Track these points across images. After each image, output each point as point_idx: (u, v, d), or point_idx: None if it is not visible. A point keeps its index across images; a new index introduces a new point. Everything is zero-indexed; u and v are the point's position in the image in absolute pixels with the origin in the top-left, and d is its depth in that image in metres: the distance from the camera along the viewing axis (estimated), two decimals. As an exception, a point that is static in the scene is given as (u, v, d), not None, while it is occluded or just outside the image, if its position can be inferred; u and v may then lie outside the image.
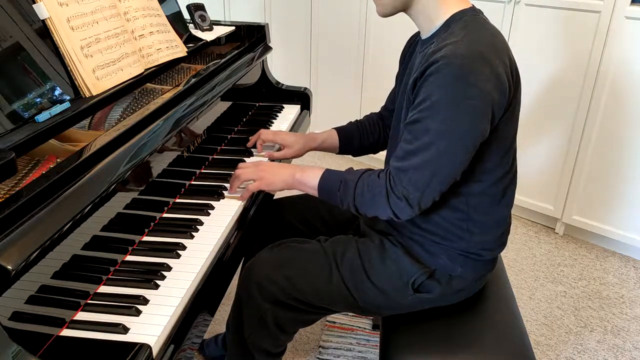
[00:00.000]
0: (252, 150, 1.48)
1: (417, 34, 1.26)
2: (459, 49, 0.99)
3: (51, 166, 0.89)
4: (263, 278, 1.19)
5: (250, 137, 1.50)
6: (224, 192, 1.27)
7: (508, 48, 1.08)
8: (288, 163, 1.43)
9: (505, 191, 1.16)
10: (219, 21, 1.83)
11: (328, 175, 1.16)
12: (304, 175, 1.19)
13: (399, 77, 1.31)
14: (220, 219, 1.17)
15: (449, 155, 1.01)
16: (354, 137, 1.46)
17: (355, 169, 1.16)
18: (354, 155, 1.50)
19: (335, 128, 1.47)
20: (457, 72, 0.97)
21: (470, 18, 1.07)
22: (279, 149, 1.47)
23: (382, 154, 1.36)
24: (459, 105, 0.98)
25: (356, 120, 1.49)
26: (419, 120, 1.02)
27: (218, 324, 1.84)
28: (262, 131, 1.48)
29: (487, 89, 0.99)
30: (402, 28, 2.60)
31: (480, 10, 1.11)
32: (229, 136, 1.58)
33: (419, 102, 1.02)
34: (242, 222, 1.23)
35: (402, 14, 1.16)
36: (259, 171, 1.23)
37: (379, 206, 1.08)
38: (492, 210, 1.15)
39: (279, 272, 1.19)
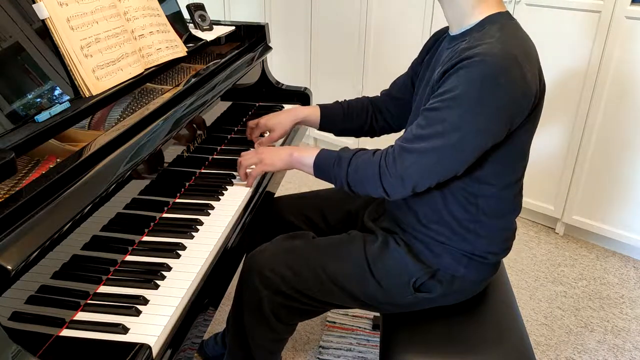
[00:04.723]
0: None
1: (444, 30, 1.26)
2: (495, 49, 0.99)
3: (51, 166, 0.89)
4: (264, 267, 1.21)
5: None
6: (224, 191, 1.27)
7: (538, 58, 1.08)
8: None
9: (515, 197, 1.17)
10: (219, 21, 1.83)
11: (324, 154, 1.18)
12: (301, 154, 1.21)
13: (418, 68, 1.31)
14: (220, 219, 1.17)
15: (457, 149, 1.02)
16: (336, 118, 1.47)
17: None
18: (335, 135, 1.51)
19: (320, 105, 1.47)
20: (489, 71, 0.98)
21: (506, 22, 1.07)
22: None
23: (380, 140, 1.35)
24: (482, 103, 0.99)
25: (344, 101, 1.49)
26: (438, 109, 1.02)
27: (218, 324, 1.84)
28: (249, 122, 1.50)
29: (513, 93, 1.00)
30: (403, 29, 2.61)
31: (514, 17, 1.11)
32: (229, 136, 1.58)
33: (442, 92, 1.02)
34: (243, 222, 1.23)
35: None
36: (258, 154, 1.26)
37: (370, 183, 1.09)
38: (500, 215, 1.16)
39: (281, 263, 1.21)
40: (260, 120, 1.47)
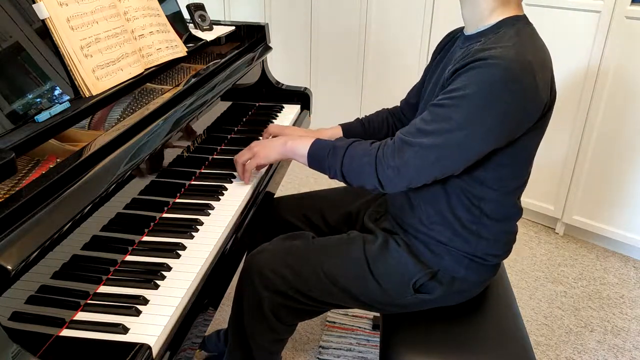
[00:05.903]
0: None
1: (458, 30, 1.25)
2: (510, 54, 0.98)
3: (51, 166, 0.89)
4: (264, 268, 1.21)
5: (252, 136, 1.51)
6: (224, 191, 1.27)
7: (552, 66, 1.08)
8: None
9: (517, 202, 1.17)
10: (219, 21, 1.83)
11: (318, 143, 1.17)
12: (295, 144, 1.20)
13: (429, 70, 1.31)
14: (220, 219, 1.17)
15: (459, 149, 1.01)
16: (358, 136, 1.45)
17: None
18: None
19: (341, 125, 1.47)
20: (502, 74, 0.97)
21: (523, 27, 1.06)
22: None
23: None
24: (490, 106, 0.98)
25: (365, 117, 1.49)
26: (445, 106, 1.01)
27: (218, 324, 1.84)
28: (271, 125, 1.48)
29: (523, 100, 0.99)
30: (403, 28, 2.61)
31: (531, 22, 1.10)
32: (229, 136, 1.58)
33: (451, 89, 1.01)
34: (243, 222, 1.23)
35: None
36: (251, 149, 1.26)
37: (365, 174, 1.08)
38: (503, 218, 1.16)
39: (281, 263, 1.21)
40: (284, 130, 1.45)
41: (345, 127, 1.46)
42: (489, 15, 1.08)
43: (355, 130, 1.46)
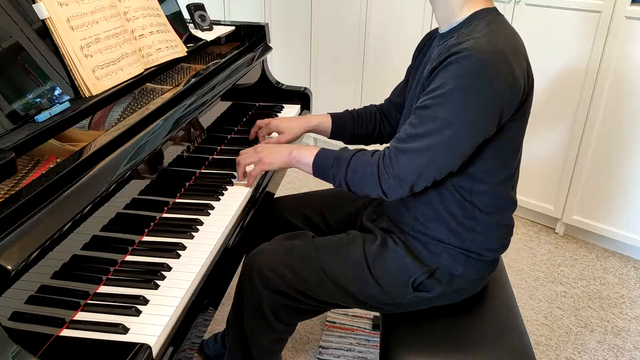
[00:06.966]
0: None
1: (434, 30, 1.27)
2: (482, 44, 1.00)
3: (51, 166, 0.89)
4: (264, 267, 1.21)
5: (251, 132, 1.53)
6: (224, 191, 1.27)
7: (526, 52, 1.09)
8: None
9: (509, 193, 1.17)
10: (219, 21, 1.83)
11: (323, 153, 1.18)
12: (300, 153, 1.21)
13: (411, 71, 1.33)
14: (220, 218, 1.17)
15: (451, 146, 1.02)
16: (347, 126, 1.48)
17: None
18: (345, 143, 1.52)
19: (330, 113, 1.48)
20: (477, 66, 0.98)
21: (494, 17, 1.08)
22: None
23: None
24: (472, 98, 0.99)
25: (353, 110, 1.50)
26: (429, 107, 1.03)
27: (218, 324, 1.84)
28: (258, 121, 1.50)
29: (502, 88, 1.00)
30: (403, 28, 2.61)
31: (501, 13, 1.12)
32: (229, 136, 1.58)
33: (432, 89, 1.03)
34: (243, 222, 1.23)
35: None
36: (257, 154, 1.27)
37: (369, 184, 1.10)
38: (496, 211, 1.16)
39: (281, 263, 1.21)
40: (272, 121, 1.47)
41: (335, 117, 1.47)
42: (459, 11, 1.11)
43: (345, 120, 1.47)
